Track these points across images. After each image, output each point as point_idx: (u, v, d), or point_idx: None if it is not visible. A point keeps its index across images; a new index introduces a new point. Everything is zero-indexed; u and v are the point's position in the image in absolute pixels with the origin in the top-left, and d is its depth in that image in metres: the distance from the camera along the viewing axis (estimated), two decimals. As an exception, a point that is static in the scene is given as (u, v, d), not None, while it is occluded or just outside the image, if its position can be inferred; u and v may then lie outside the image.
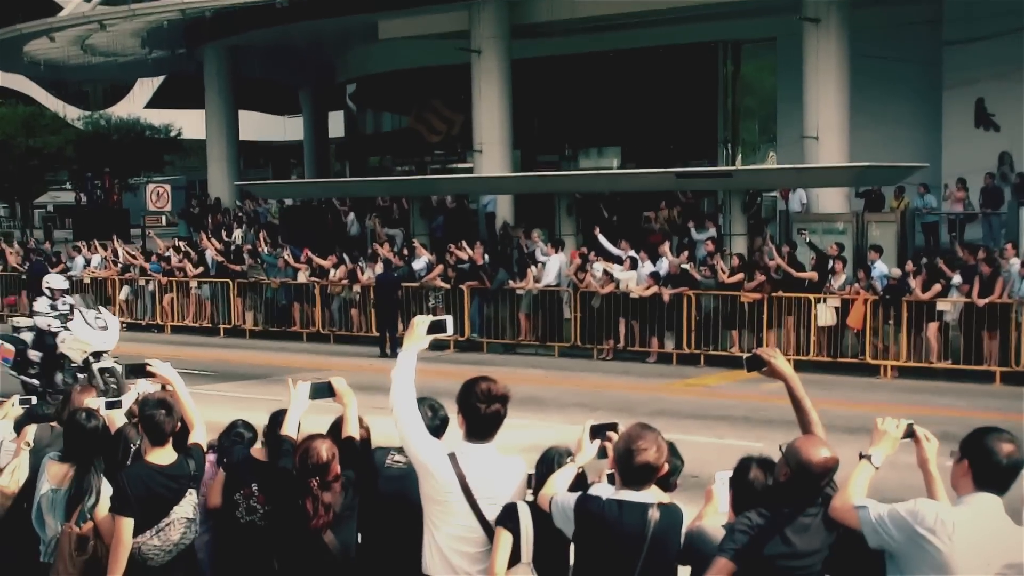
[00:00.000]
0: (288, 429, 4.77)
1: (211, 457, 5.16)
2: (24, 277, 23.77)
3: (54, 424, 5.57)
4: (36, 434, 5.44)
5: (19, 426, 5.68)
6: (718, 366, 16.06)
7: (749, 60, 27.09)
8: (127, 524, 4.69)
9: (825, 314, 15.87)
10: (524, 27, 24.28)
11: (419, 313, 18.62)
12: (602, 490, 3.95)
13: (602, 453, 4.19)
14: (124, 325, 22.31)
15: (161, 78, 43.01)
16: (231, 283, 21.21)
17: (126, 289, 22.80)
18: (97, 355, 12.94)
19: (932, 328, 15.26)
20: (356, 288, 19.73)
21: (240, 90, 31.22)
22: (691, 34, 25.07)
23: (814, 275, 16.45)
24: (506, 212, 23.21)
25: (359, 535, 4.75)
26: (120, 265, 23.23)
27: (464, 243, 19.43)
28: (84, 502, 4.91)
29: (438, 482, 4.10)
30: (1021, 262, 15.17)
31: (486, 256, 19.25)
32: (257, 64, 31.75)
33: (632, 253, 17.91)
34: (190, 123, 41.36)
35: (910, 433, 3.82)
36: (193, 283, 21.89)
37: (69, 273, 23.77)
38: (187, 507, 4.84)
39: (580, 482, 4.19)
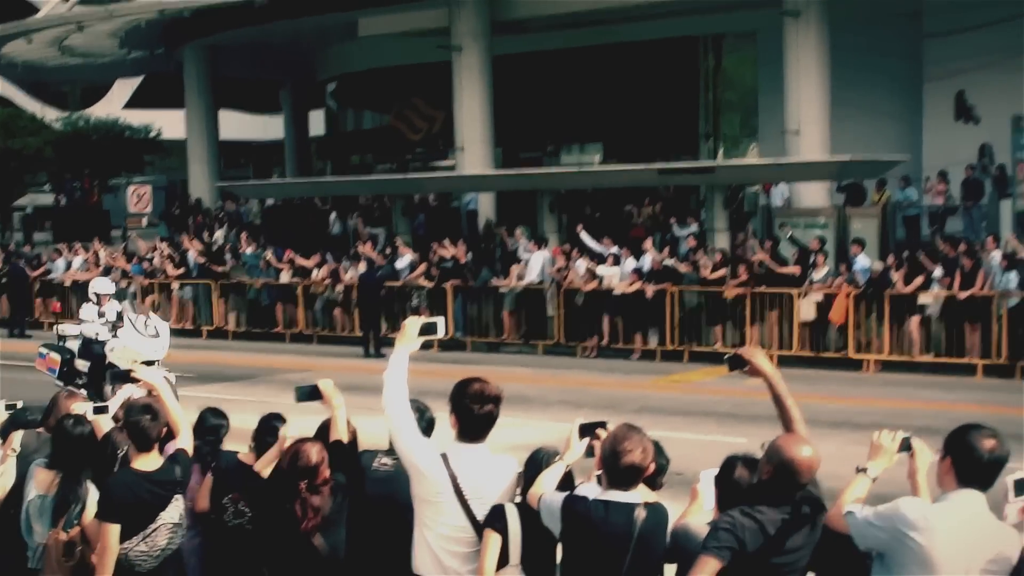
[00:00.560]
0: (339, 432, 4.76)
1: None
2: (4, 280, 23.56)
3: (40, 430, 5.55)
4: (23, 440, 5.42)
5: (5, 432, 5.65)
6: (702, 362, 16.13)
7: (730, 54, 27.18)
8: (113, 530, 4.69)
9: (806, 308, 15.94)
10: (505, 23, 24.26)
11: (402, 312, 18.68)
12: (589, 490, 3.98)
13: (590, 452, 4.21)
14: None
15: (140, 78, 42.74)
16: (213, 284, 21.13)
17: (108, 291, 22.62)
18: (148, 364, 12.66)
19: (914, 321, 15.37)
20: (339, 288, 19.69)
21: (220, 89, 31.07)
22: (672, 29, 25.11)
23: (796, 270, 16.53)
24: (488, 210, 23.20)
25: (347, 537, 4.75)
26: (101, 267, 23.09)
27: (447, 241, 19.41)
28: (71, 509, 4.91)
29: (430, 483, 4.12)
30: (1002, 255, 15.29)
31: (469, 254, 19.24)
32: (237, 63, 31.60)
33: (615, 250, 17.95)
34: (170, 123, 41.09)
35: (906, 447, 3.87)
36: (175, 284, 21.79)
37: (50, 276, 23.66)
38: (174, 513, 4.85)
39: (567, 481, 4.21)
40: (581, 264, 17.73)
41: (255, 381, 14.54)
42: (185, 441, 5.03)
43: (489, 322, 18.55)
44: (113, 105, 46.13)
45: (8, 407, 6.05)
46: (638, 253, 17.89)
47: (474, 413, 4.10)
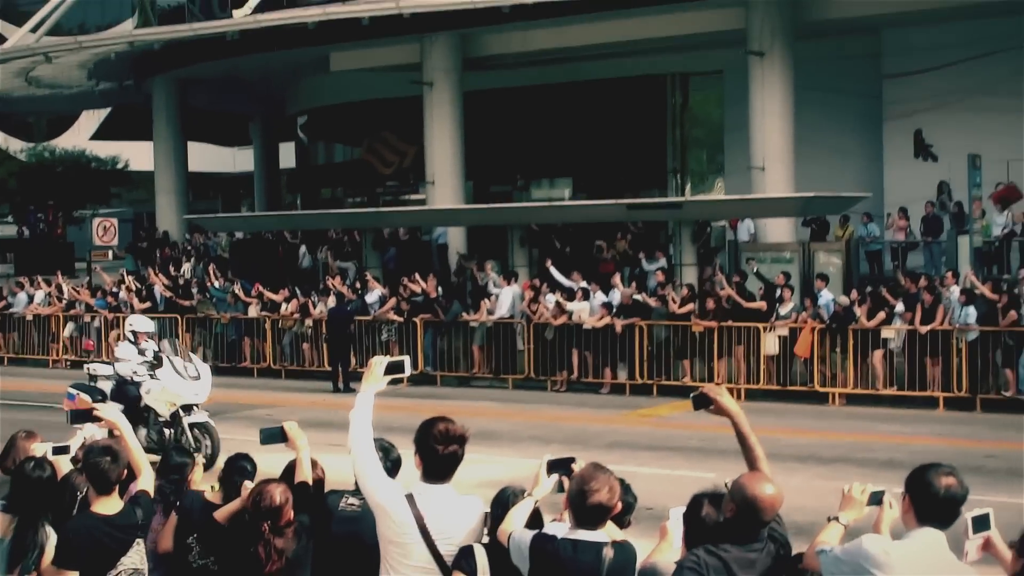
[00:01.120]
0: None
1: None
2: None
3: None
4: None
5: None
6: (671, 395, 16.20)
7: (697, 92, 27.57)
8: (72, 577, 4.59)
9: (772, 343, 16.10)
10: (476, 60, 24.49)
11: (372, 346, 18.64)
12: (557, 529, 4.00)
13: (560, 488, 4.23)
14: (68, 363, 22.13)
15: (108, 109, 42.53)
16: (180, 318, 20.98)
17: (71, 326, 22.40)
18: (187, 408, 11.62)
19: (877, 355, 15.56)
20: (308, 322, 19.61)
21: (189, 121, 31.00)
22: (640, 67, 25.49)
23: (763, 305, 16.70)
24: (459, 243, 23.26)
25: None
26: (65, 301, 22.84)
27: (417, 275, 19.43)
28: (28, 555, 4.77)
29: (396, 523, 4.10)
30: (960, 290, 15.55)
31: (439, 288, 19.26)
32: (206, 95, 31.55)
33: (584, 284, 18.04)
34: (137, 154, 40.92)
35: (876, 500, 3.97)
36: (141, 318, 21.57)
37: (11, 310, 23.33)
38: (135, 557, 4.75)
39: (535, 519, 4.23)
40: (551, 299, 17.81)
41: (221, 417, 14.36)
42: (147, 482, 4.94)
43: (459, 356, 18.54)
44: (80, 136, 45.87)
45: None
46: (607, 288, 18.01)
47: (439, 453, 4.09)
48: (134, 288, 22.56)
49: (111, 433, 5.10)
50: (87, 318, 22.27)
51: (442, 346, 18.60)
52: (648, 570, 4.06)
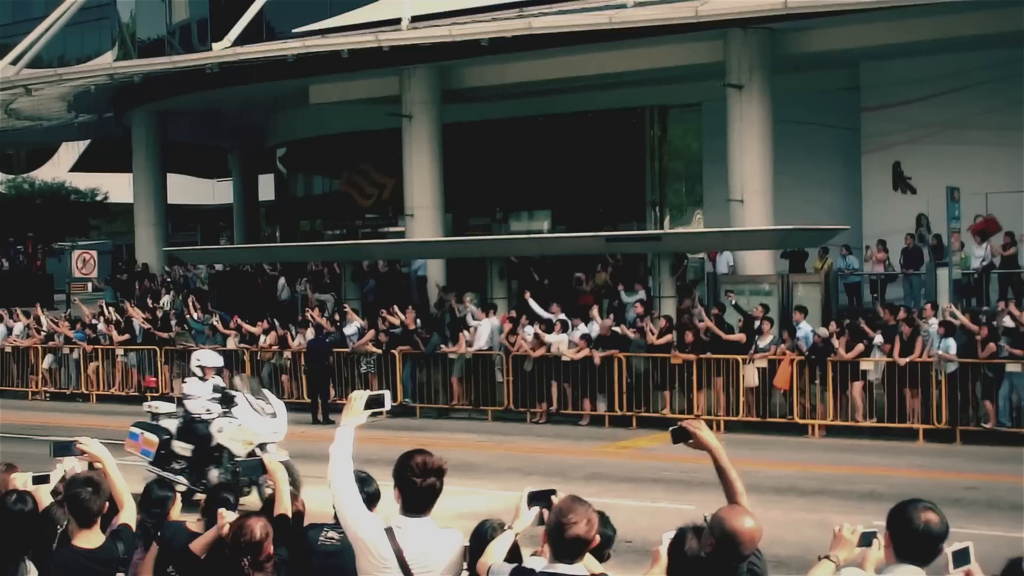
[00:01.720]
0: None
1: None
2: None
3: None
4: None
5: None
6: (650, 427, 16.19)
7: (675, 125, 27.78)
8: (52, 612, 4.54)
9: (751, 375, 16.14)
10: (454, 92, 24.61)
11: (351, 378, 18.55)
12: (536, 563, 3.97)
13: (540, 520, 4.21)
14: (48, 395, 21.93)
15: (87, 142, 42.43)
16: (159, 350, 20.83)
17: (49, 358, 22.27)
18: (262, 446, 10.87)
19: (856, 387, 15.62)
20: (287, 354, 19.53)
21: (168, 153, 30.97)
22: (619, 100, 25.67)
23: (742, 337, 16.75)
24: (438, 275, 23.26)
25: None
26: (43, 333, 22.68)
27: (395, 307, 19.40)
28: None
29: (375, 557, 4.09)
30: (939, 322, 15.65)
31: (418, 320, 19.23)
32: (186, 128, 31.56)
33: (563, 316, 18.06)
34: (117, 187, 40.85)
35: (867, 542, 3.99)
36: (119, 351, 21.44)
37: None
38: (115, 592, 4.70)
39: (514, 553, 4.21)
40: (529, 330, 17.81)
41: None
42: (129, 516, 4.89)
43: (438, 388, 18.49)
44: (59, 168, 45.73)
45: None
46: (587, 320, 18.02)
47: (417, 486, 4.08)
48: (113, 320, 22.43)
49: (91, 466, 5.03)
50: (66, 350, 22.11)
51: (421, 378, 18.55)
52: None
